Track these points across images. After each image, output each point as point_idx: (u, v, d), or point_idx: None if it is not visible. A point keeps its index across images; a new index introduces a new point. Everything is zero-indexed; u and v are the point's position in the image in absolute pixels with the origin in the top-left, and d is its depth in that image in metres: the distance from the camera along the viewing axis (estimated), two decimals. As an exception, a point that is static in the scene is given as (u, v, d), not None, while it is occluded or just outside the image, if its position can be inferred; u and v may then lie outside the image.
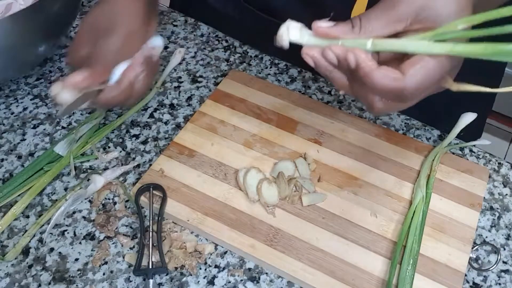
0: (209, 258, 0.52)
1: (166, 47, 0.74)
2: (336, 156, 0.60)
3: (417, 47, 0.38)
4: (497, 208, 0.58)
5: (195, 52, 0.73)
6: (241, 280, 0.50)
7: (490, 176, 0.61)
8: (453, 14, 0.38)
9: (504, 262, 0.53)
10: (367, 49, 0.39)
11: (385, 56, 0.42)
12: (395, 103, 0.41)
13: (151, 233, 0.52)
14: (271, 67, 0.72)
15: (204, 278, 0.50)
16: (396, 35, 0.40)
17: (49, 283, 0.49)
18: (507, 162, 0.62)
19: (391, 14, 0.39)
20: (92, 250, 0.52)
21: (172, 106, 0.66)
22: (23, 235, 0.52)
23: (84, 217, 0.54)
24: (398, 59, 0.40)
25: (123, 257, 0.52)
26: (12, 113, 0.64)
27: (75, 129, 0.61)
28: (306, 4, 0.67)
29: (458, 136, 0.62)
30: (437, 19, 0.38)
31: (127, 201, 0.56)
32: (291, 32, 0.41)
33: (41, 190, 0.56)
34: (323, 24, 0.40)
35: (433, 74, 0.38)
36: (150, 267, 0.50)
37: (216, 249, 0.53)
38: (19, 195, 0.55)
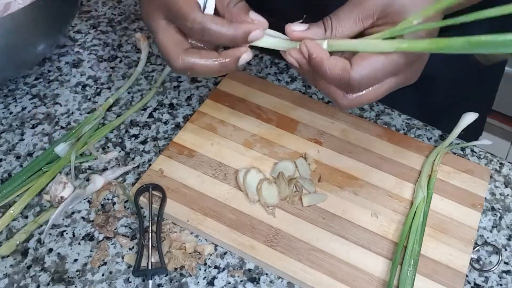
0: (209, 258, 0.52)
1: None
2: (337, 156, 0.60)
3: (366, 46, 0.40)
4: (499, 209, 0.58)
5: (195, 52, 0.73)
6: (241, 281, 0.50)
7: (491, 176, 0.60)
8: (421, 8, 0.39)
9: (506, 263, 0.53)
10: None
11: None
12: (356, 97, 0.42)
13: (150, 233, 0.52)
14: (271, 67, 0.71)
15: (203, 279, 0.50)
16: (363, 32, 0.41)
17: (48, 284, 0.49)
18: (508, 162, 0.62)
19: (358, 11, 0.40)
20: (91, 251, 0.52)
21: (171, 105, 0.66)
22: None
23: (83, 218, 0.54)
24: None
25: (122, 258, 0.51)
26: (11, 113, 0.64)
27: (74, 129, 0.61)
28: (306, 6, 0.67)
29: (459, 136, 0.62)
30: (403, 14, 0.39)
31: (126, 201, 0.56)
32: None
33: (40, 191, 0.56)
34: (297, 28, 0.42)
35: (381, 68, 0.39)
36: (150, 267, 0.50)
37: (216, 249, 0.52)
38: (17, 196, 0.55)
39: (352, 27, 0.41)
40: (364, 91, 0.41)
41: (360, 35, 0.42)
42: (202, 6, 0.43)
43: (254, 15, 0.43)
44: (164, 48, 0.44)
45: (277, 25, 0.44)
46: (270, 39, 0.43)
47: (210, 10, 0.44)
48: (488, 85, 0.77)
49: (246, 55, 0.43)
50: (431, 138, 0.64)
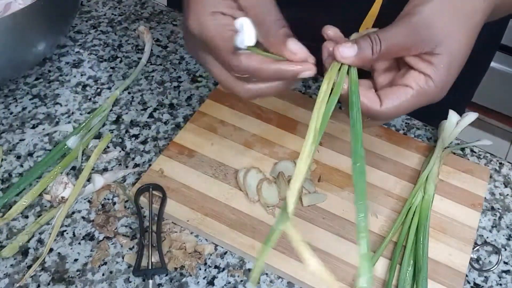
0: (209, 258, 0.52)
1: (165, 47, 0.74)
2: (337, 156, 0.60)
3: None
4: (498, 209, 0.58)
5: (195, 52, 0.73)
6: (241, 281, 0.50)
7: (491, 176, 0.60)
8: (463, 55, 0.40)
9: (505, 263, 0.53)
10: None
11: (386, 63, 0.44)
12: (371, 121, 0.43)
13: (150, 233, 0.52)
14: (271, 67, 0.71)
15: (204, 278, 0.50)
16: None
17: (48, 284, 0.49)
18: (508, 162, 0.62)
19: (414, 39, 0.39)
20: (91, 251, 0.52)
21: (171, 106, 0.66)
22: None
23: (83, 218, 0.54)
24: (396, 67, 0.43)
25: (123, 258, 0.51)
26: (11, 113, 0.64)
27: (84, 122, 0.62)
28: (312, 16, 0.66)
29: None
30: (445, 59, 0.39)
31: (126, 201, 0.56)
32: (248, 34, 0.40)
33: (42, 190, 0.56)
34: (348, 54, 0.40)
35: (406, 109, 0.40)
36: (150, 267, 0.50)
37: (216, 249, 0.52)
38: (17, 195, 0.55)
39: (398, 52, 0.40)
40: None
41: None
42: (238, 37, 0.39)
43: (293, 45, 0.40)
44: (224, 84, 0.42)
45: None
46: None
47: (249, 40, 0.40)
48: (472, 77, 0.78)
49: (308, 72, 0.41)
50: (431, 138, 0.64)
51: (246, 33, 0.40)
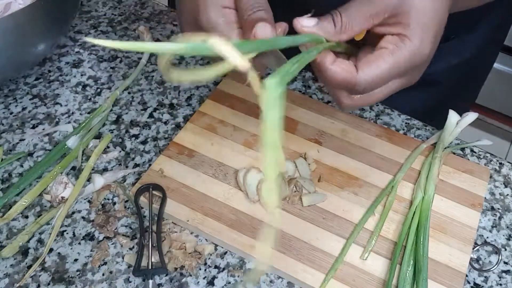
0: (209, 258, 0.52)
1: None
2: (337, 156, 0.60)
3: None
4: (498, 209, 0.58)
5: (195, 52, 0.73)
6: (241, 281, 0.50)
7: (491, 176, 0.60)
8: (427, 14, 0.39)
9: (505, 263, 0.53)
10: None
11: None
12: (360, 97, 0.42)
13: (150, 233, 0.52)
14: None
15: (204, 278, 0.50)
16: (371, 29, 0.41)
17: (48, 284, 0.49)
18: (508, 162, 0.62)
19: (370, 7, 0.40)
20: (91, 251, 0.52)
21: (171, 106, 0.66)
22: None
23: (83, 218, 0.54)
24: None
25: (123, 258, 0.51)
26: (11, 113, 0.64)
27: (84, 122, 0.61)
28: (302, 9, 0.66)
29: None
30: (409, 17, 0.39)
31: (126, 201, 0.56)
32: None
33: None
34: (307, 23, 0.40)
35: (388, 71, 0.39)
36: (150, 267, 0.50)
37: (216, 249, 0.52)
38: (17, 195, 0.55)
39: (362, 24, 0.40)
40: (369, 93, 0.41)
41: (367, 33, 0.41)
42: None
43: (258, 28, 0.39)
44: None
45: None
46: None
47: None
48: (476, 79, 0.78)
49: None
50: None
51: None
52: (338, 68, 0.39)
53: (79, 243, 0.52)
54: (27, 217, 0.54)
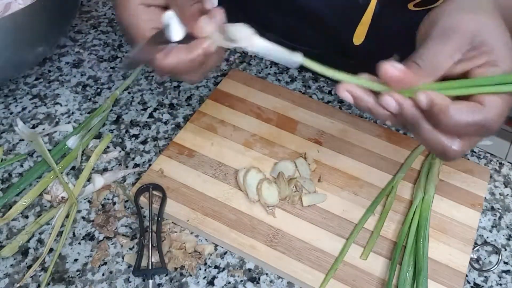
0: (209, 258, 0.52)
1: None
2: (337, 156, 0.60)
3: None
4: (498, 209, 0.58)
5: (195, 52, 0.73)
6: (241, 281, 0.50)
7: (491, 176, 0.60)
8: (503, 36, 0.39)
9: (505, 263, 0.53)
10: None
11: None
12: (471, 140, 0.39)
13: (150, 233, 0.52)
14: (271, 67, 0.72)
15: (204, 278, 0.50)
16: (457, 65, 0.39)
17: (48, 284, 0.49)
18: (508, 162, 0.62)
19: (449, 45, 0.38)
20: (91, 251, 0.52)
21: (171, 106, 0.66)
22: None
23: (83, 217, 0.54)
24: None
25: (123, 258, 0.51)
26: (11, 113, 0.64)
27: (84, 122, 0.61)
28: (307, 23, 0.66)
29: None
30: (490, 42, 0.38)
31: (126, 201, 0.56)
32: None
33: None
34: (394, 72, 0.37)
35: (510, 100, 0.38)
36: (150, 267, 0.50)
37: (216, 249, 0.52)
38: (17, 195, 0.55)
39: (444, 63, 0.38)
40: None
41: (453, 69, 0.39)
42: (165, 32, 0.41)
43: (204, 22, 0.40)
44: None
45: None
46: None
47: (177, 36, 0.41)
48: None
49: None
50: (431, 138, 0.64)
51: (173, 28, 0.40)
52: (460, 105, 0.36)
53: (79, 243, 0.52)
54: (27, 217, 0.54)
